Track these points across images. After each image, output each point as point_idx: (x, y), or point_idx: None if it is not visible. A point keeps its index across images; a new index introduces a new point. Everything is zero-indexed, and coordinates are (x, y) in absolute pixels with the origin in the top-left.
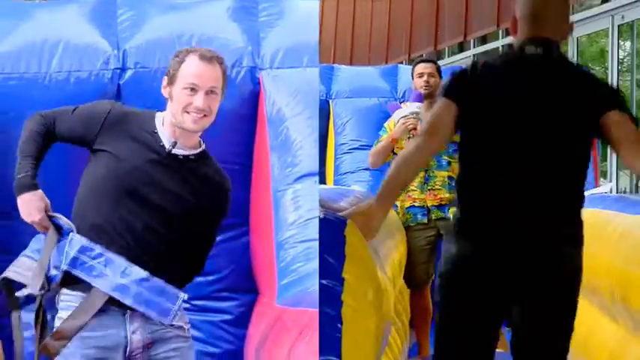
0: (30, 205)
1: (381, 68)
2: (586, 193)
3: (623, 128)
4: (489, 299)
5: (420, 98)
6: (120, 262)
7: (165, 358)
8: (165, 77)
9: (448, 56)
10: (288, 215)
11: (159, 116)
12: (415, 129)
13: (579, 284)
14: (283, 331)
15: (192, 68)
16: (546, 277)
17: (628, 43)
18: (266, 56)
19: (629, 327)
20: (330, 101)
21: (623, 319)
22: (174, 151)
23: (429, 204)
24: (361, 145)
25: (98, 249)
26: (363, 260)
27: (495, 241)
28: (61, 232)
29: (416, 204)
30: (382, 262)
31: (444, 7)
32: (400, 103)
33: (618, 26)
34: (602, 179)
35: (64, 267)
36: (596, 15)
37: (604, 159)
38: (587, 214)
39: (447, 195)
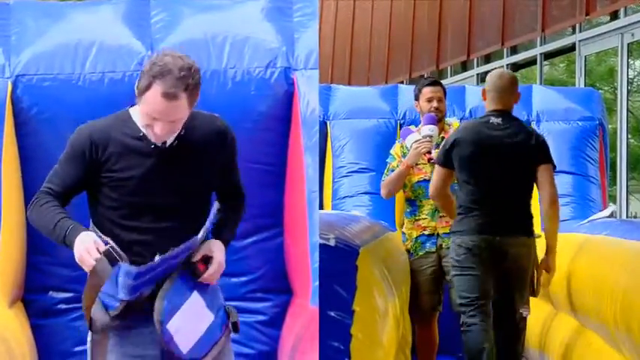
0: (86, 245)
1: (380, 88)
2: (587, 219)
3: (545, 177)
4: (486, 267)
5: (433, 120)
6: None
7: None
8: (137, 80)
9: (451, 75)
10: (317, 216)
11: (137, 113)
12: (429, 152)
13: (533, 259)
14: (317, 332)
15: (153, 103)
16: (513, 254)
17: (638, 62)
18: (300, 57)
19: (633, 358)
20: (328, 122)
21: (627, 349)
22: (167, 142)
23: (440, 232)
24: (360, 169)
25: (148, 274)
26: (374, 291)
27: (482, 236)
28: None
29: (426, 232)
30: (392, 290)
31: (446, 25)
32: (401, 124)
33: (628, 45)
34: (610, 203)
35: (122, 297)
36: (605, 33)
37: (613, 183)
38: (593, 240)
39: None
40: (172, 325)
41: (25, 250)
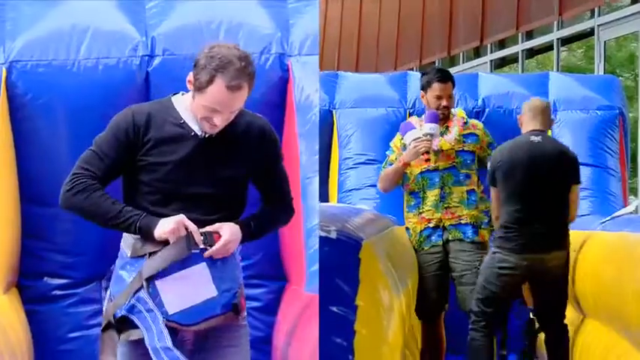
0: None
1: (389, 76)
2: (611, 216)
3: (572, 197)
4: (515, 287)
5: (435, 119)
6: (161, 322)
7: (218, 347)
8: (192, 74)
9: (463, 62)
10: (316, 202)
11: (179, 101)
12: (428, 152)
13: (566, 273)
14: (312, 318)
15: (217, 96)
16: (552, 268)
17: None
18: (295, 43)
19: None
20: (334, 111)
21: None
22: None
23: (446, 223)
24: (367, 160)
25: (150, 304)
26: (378, 285)
27: (523, 254)
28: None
29: (431, 225)
30: (398, 285)
31: (458, 9)
32: (410, 113)
33: None
34: (631, 197)
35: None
36: (626, 17)
37: (634, 175)
38: (615, 237)
39: (466, 211)
40: (162, 284)
41: (19, 236)
